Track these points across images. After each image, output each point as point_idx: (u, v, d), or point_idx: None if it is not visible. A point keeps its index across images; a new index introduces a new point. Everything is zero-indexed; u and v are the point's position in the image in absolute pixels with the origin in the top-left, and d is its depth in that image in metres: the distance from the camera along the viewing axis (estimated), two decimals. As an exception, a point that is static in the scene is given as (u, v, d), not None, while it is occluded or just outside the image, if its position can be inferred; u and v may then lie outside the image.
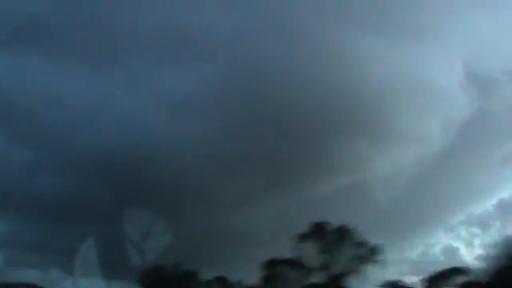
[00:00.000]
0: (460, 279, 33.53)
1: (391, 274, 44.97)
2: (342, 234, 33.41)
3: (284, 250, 38.94)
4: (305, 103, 39.03)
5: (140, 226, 34.87)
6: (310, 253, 33.56)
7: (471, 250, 49.33)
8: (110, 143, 36.22)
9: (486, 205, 51.86)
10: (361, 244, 33.17)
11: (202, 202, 36.78)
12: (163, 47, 39.81)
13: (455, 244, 49.16)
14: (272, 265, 34.41)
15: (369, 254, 33.21)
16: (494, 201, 51.71)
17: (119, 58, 39.43)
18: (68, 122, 38.14)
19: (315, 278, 34.24)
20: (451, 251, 48.37)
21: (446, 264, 46.76)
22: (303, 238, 32.98)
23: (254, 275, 37.62)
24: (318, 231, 33.18)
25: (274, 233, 39.20)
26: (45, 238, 36.23)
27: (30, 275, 34.89)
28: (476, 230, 50.24)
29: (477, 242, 49.81)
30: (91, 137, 37.05)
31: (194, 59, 39.33)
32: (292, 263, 34.71)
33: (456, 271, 33.66)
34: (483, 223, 50.22)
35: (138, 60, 39.71)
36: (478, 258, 47.20)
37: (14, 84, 39.48)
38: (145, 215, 34.89)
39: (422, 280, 35.19)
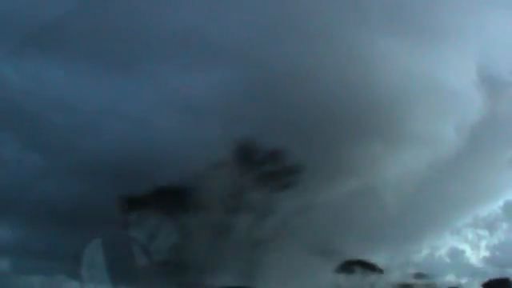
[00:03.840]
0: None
1: (396, 277, 45.28)
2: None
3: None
4: (317, 106, 38.36)
5: (146, 227, 34.76)
6: None
7: (477, 253, 49.51)
8: (121, 147, 35.71)
9: (493, 207, 51.61)
10: None
11: (210, 207, 36.35)
12: (176, 50, 38.76)
13: (461, 246, 48.99)
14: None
15: None
16: (500, 202, 51.52)
17: (132, 62, 38.42)
18: (78, 126, 37.35)
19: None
20: (457, 254, 48.30)
21: (451, 266, 47.44)
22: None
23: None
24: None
25: (280, 238, 38.96)
26: (52, 243, 35.82)
27: (36, 281, 34.82)
28: (483, 232, 50.09)
29: (483, 244, 50.02)
30: (102, 141, 36.61)
31: (208, 62, 38.31)
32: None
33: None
34: (490, 225, 50.14)
35: (151, 63, 38.76)
36: (485, 260, 47.87)
37: (23, 89, 38.50)
38: (151, 217, 34.71)
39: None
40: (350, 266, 39.42)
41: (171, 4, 38.78)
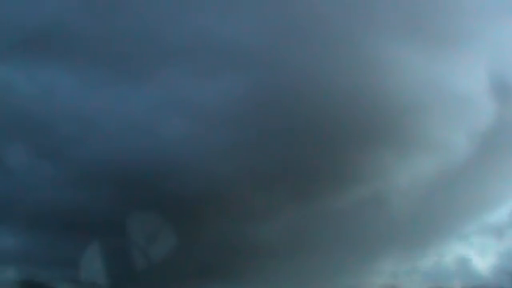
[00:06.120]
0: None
1: (402, 284, 44.90)
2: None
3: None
4: (327, 112, 37.94)
5: (147, 232, 34.56)
6: None
7: (485, 260, 48.92)
8: (133, 157, 35.32)
9: (501, 213, 51.17)
10: None
11: (220, 215, 36.15)
12: (190, 58, 38.31)
13: (468, 254, 48.47)
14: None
15: None
16: (508, 209, 50.99)
17: (143, 70, 38.00)
18: (87, 135, 37.04)
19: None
20: (464, 261, 47.79)
21: (458, 274, 46.95)
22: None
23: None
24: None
25: (289, 245, 38.72)
26: (57, 251, 35.66)
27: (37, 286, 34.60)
28: (490, 240, 49.68)
29: (490, 251, 49.42)
30: (111, 150, 36.04)
31: (222, 71, 37.97)
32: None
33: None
34: (497, 232, 49.63)
35: (165, 72, 38.27)
36: (492, 267, 47.33)
37: (34, 97, 38.12)
38: (153, 221, 34.46)
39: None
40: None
41: (190, 14, 38.29)
